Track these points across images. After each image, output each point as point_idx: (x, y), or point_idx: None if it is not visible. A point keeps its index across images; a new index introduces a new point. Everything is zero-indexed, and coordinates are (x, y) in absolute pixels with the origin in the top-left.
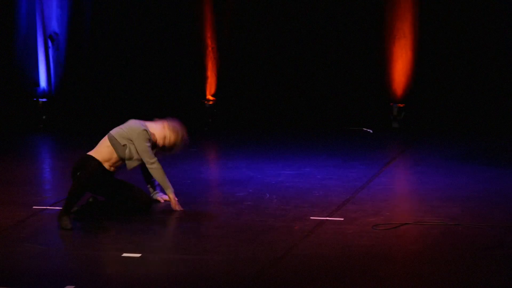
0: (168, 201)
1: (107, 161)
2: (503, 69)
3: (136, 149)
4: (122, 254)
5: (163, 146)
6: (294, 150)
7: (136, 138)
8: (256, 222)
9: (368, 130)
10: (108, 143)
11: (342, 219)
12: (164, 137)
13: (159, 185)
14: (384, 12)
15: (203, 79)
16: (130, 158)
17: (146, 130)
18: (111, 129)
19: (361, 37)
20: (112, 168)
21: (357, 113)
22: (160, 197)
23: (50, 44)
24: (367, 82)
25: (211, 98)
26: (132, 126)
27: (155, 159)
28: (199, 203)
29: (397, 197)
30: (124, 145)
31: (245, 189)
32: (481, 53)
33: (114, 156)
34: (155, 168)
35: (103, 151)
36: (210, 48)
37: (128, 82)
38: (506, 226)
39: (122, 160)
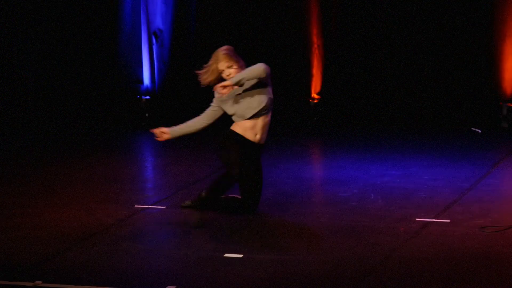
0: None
1: None
2: None
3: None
4: (224, 254)
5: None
6: (401, 150)
7: None
8: (360, 223)
9: (477, 129)
10: None
11: (449, 221)
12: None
13: None
14: (495, 9)
15: (309, 77)
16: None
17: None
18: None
19: (471, 35)
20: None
21: (465, 112)
22: None
23: (154, 41)
24: (476, 81)
25: (316, 96)
26: None
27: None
28: (302, 202)
29: (506, 198)
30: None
31: (350, 189)
32: None
33: None
34: None
35: None
36: (315, 46)
37: None
38: None
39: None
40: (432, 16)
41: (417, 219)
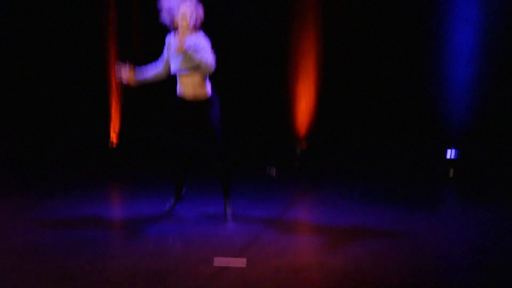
0: None
1: None
2: (405, 112)
3: None
4: None
5: None
6: (198, 192)
7: None
8: (159, 266)
9: (272, 170)
10: None
11: (245, 259)
12: None
13: None
14: (287, 52)
15: (107, 118)
16: None
17: None
18: None
19: (267, 78)
20: None
21: (261, 152)
22: None
23: None
24: (272, 122)
25: (114, 138)
26: None
27: None
28: (102, 244)
29: (301, 239)
30: None
31: (150, 230)
32: (385, 94)
33: None
34: None
35: None
36: (114, 88)
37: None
38: (408, 266)
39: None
40: (234, 57)
41: (215, 259)
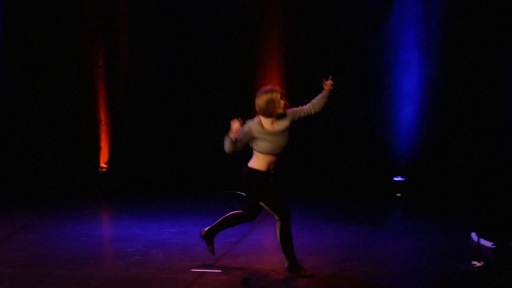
0: None
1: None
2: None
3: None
4: None
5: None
6: (177, 211)
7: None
8: (143, 275)
9: (242, 193)
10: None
11: (220, 270)
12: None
13: None
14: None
15: (97, 149)
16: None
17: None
18: None
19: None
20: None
21: (231, 177)
22: None
23: None
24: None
25: (104, 165)
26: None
27: None
28: (93, 258)
29: (266, 250)
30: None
31: (134, 245)
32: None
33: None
34: None
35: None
36: (103, 122)
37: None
38: (364, 271)
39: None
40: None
41: (192, 270)
